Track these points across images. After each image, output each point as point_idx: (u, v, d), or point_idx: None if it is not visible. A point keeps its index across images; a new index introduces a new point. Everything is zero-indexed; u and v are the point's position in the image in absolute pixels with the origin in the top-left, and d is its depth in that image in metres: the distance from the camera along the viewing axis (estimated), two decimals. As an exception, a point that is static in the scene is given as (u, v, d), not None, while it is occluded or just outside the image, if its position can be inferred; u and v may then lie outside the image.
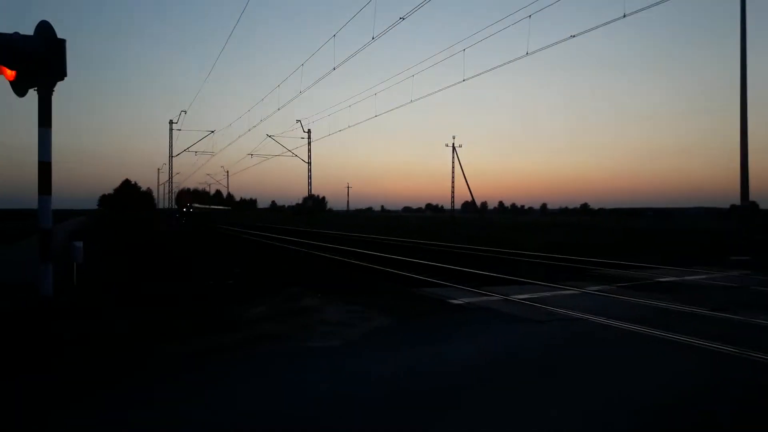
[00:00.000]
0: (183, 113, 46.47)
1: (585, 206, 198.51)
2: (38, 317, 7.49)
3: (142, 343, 6.45)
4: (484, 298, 10.32)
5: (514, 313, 8.86)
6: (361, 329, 7.41)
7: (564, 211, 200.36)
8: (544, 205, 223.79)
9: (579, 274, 14.39)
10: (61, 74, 8.75)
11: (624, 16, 14.17)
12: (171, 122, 47.53)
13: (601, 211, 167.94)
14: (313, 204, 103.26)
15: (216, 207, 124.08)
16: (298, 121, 46.03)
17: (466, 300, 9.98)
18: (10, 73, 8.70)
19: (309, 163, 48.64)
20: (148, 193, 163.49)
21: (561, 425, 4.30)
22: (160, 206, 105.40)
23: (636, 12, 14.47)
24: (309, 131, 47.80)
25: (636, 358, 6.34)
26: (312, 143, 48.40)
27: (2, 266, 15.03)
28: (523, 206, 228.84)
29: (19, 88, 8.86)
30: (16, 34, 8.56)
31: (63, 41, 8.75)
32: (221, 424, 4.21)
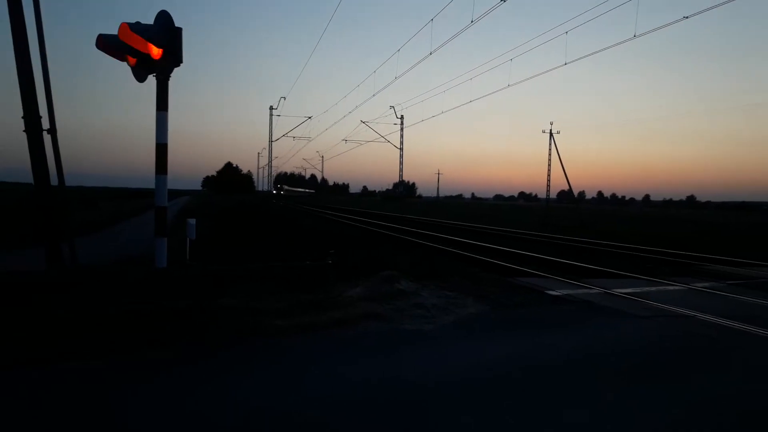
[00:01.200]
0: (282, 99, 48.10)
1: (691, 198, 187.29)
2: (152, 286, 8.02)
3: (251, 316, 6.78)
4: (583, 290, 10.02)
5: (616, 307, 8.54)
6: (456, 315, 7.42)
7: (668, 203, 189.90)
8: (646, 197, 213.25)
9: (685, 269, 13.65)
10: (178, 61, 9.26)
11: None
12: (271, 108, 49.26)
13: (708, 204, 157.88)
14: (404, 190, 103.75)
15: (301, 189, 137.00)
16: (391, 107, 46.56)
17: (565, 292, 9.72)
18: (132, 60, 9.33)
19: (401, 149, 48.97)
20: (249, 176, 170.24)
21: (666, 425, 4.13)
22: (259, 188, 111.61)
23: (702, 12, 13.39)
24: (402, 117, 48.15)
25: (748, 359, 5.96)
26: (404, 129, 48.61)
27: (126, 241, 16.26)
28: (623, 197, 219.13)
29: (140, 74, 9.47)
30: (138, 23, 9.15)
31: (180, 30, 9.25)
32: (332, 392, 4.37)
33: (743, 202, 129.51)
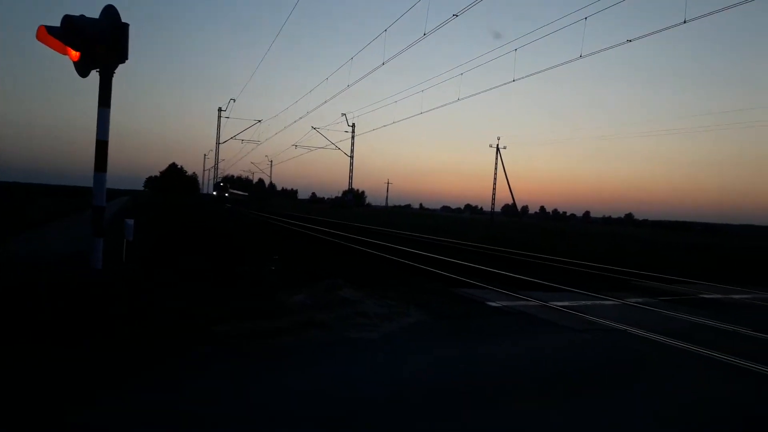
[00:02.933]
0: (232, 101, 47.45)
1: (629, 216, 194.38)
2: (87, 289, 7.76)
3: (189, 322, 6.64)
4: (522, 302, 10.25)
5: (553, 319, 8.79)
6: (398, 324, 7.48)
7: (607, 220, 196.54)
8: (586, 213, 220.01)
9: (620, 285, 14.14)
10: (123, 57, 9.03)
11: (684, 22, 13.84)
12: (220, 110, 48.50)
13: (645, 222, 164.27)
14: (353, 198, 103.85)
15: (243, 193, 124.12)
16: (343, 114, 46.54)
17: (504, 303, 9.93)
18: (75, 54, 9.03)
19: (351, 157, 49.04)
20: (194, 178, 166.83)
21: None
22: (204, 191, 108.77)
23: (697, 18, 14.13)
24: (353, 125, 48.18)
25: (674, 374, 6.23)
26: (355, 137, 48.73)
27: (59, 239, 15.64)
28: (565, 212, 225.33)
29: (83, 68, 9.18)
30: (83, 16, 8.88)
31: (126, 25, 9.02)
32: (267, 405, 4.33)
33: (678, 222, 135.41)
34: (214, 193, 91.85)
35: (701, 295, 12.88)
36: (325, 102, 41.73)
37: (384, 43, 53.33)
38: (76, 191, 75.78)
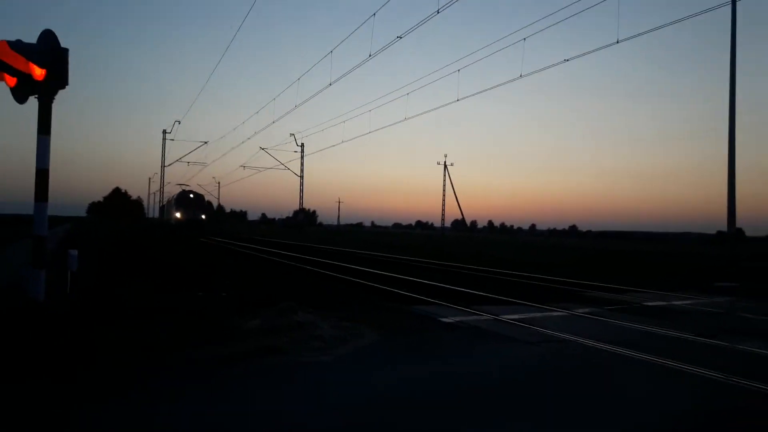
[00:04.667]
0: (177, 123, 46.56)
1: (573, 228, 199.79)
2: (27, 322, 7.47)
3: (140, 352, 6.47)
4: (474, 317, 10.41)
5: (504, 333, 8.95)
6: (353, 346, 7.48)
7: (552, 232, 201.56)
8: (533, 226, 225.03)
9: (568, 296, 14.51)
10: (63, 83, 8.81)
11: (617, 42, 14.47)
12: (164, 132, 47.52)
13: (589, 233, 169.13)
14: (304, 218, 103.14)
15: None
16: (291, 134, 46.26)
17: (457, 319, 10.06)
18: (12, 80, 8.75)
19: (301, 177, 48.80)
20: (139, 202, 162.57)
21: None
22: (150, 215, 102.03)
23: (629, 38, 14.82)
24: (302, 145, 47.97)
25: (624, 382, 6.44)
26: (305, 157, 48.54)
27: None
28: (512, 226, 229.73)
29: (20, 95, 8.90)
30: (19, 41, 8.63)
31: (66, 50, 8.82)
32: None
33: (620, 231, 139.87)
34: (177, 215, 61.87)
35: (645, 303, 13.35)
36: (273, 122, 41.51)
37: (330, 64, 53.48)
38: (14, 219, 72.64)
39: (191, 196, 61.96)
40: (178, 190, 70.90)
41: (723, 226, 19.15)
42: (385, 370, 6.54)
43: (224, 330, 7.91)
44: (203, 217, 60.38)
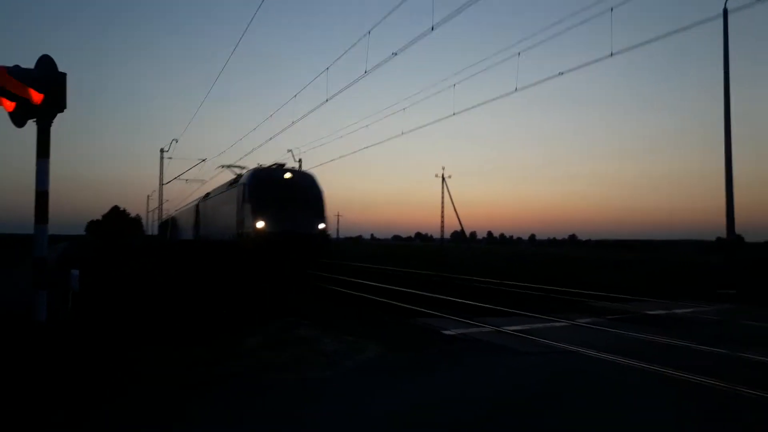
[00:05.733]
0: (174, 141, 46.63)
1: (573, 237, 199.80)
2: (31, 343, 7.47)
3: (137, 369, 6.46)
4: (476, 329, 10.39)
5: (507, 344, 8.94)
6: (354, 361, 7.47)
7: (552, 242, 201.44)
8: (532, 236, 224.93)
9: (568, 306, 14.50)
10: (61, 107, 8.84)
11: (611, 54, 14.57)
12: (162, 150, 47.57)
13: (589, 242, 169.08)
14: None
15: None
16: (289, 150, 45.95)
17: (459, 331, 10.04)
18: (10, 105, 8.79)
19: (301, 191, 48.58)
20: (137, 220, 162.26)
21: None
22: (149, 233, 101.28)
23: (623, 51, 14.93)
24: (300, 161, 47.80)
25: (627, 391, 6.43)
26: (306, 171, 48.29)
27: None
28: (511, 236, 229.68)
29: (18, 119, 8.93)
30: (17, 66, 8.69)
31: (64, 75, 8.87)
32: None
33: (619, 240, 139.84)
34: (257, 225, 20.36)
35: (646, 312, 13.34)
36: (271, 139, 41.32)
37: (327, 80, 53.84)
38: (16, 239, 72.48)
39: (288, 178, 20.95)
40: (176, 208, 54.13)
41: (723, 232, 19.13)
42: (385, 386, 6.53)
43: (227, 347, 7.89)
44: (321, 228, 20.35)
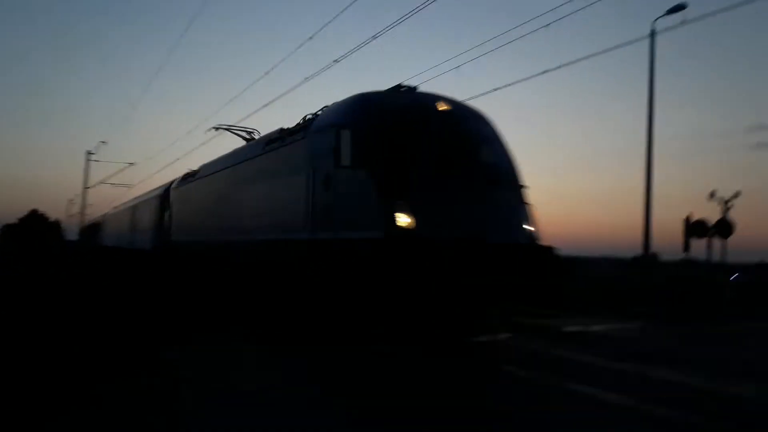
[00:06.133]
0: (102, 143, 44.79)
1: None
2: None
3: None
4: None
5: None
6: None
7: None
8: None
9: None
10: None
11: (545, 71, 14.95)
12: (88, 153, 45.59)
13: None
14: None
15: None
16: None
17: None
18: None
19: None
20: (57, 224, 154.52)
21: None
22: (69, 238, 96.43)
23: (557, 68, 15.57)
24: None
25: (543, 408, 6.57)
26: (239, 177, 47.14)
27: None
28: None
29: None
30: None
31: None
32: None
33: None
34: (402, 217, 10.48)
35: (562, 329, 13.71)
36: (203, 144, 39.98)
37: (265, 86, 53.04)
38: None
39: (452, 118, 9.56)
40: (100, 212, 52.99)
41: (639, 250, 20.02)
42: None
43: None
44: (535, 235, 9.84)
